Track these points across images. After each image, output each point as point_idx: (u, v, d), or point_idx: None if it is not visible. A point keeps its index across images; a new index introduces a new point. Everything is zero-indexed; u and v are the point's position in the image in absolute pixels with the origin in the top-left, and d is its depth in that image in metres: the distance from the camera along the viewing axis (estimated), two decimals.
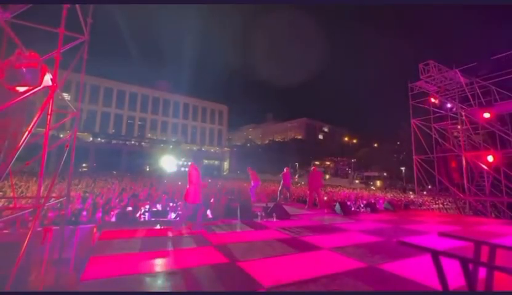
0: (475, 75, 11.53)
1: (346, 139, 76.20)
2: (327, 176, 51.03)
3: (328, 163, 58.99)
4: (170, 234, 4.81)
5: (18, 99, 3.21)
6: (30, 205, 4.30)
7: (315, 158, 52.76)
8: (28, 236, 3.18)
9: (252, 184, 10.75)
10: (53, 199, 4.86)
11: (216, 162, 51.68)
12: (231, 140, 61.55)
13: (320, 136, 74.75)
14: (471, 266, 1.87)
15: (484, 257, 2.15)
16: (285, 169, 10.24)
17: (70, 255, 4.61)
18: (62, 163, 4.74)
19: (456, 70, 11.24)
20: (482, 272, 1.98)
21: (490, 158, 10.10)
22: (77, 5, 4.69)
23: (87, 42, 5.16)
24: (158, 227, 5.38)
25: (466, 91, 11.30)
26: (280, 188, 10.34)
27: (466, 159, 10.78)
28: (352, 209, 9.49)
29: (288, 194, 10.71)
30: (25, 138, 3.24)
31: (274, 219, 6.62)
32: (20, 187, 9.26)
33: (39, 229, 4.32)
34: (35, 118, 3.41)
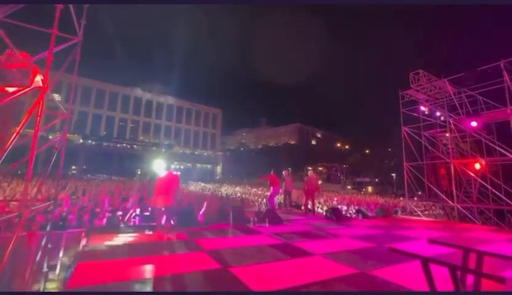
0: (463, 85, 11.90)
1: (339, 145, 77.03)
2: (320, 182, 51.26)
3: (320, 168, 59.37)
4: (161, 239, 4.72)
5: (7, 99, 3.13)
6: (16, 209, 4.17)
7: (308, 163, 53.04)
8: (13, 240, 3.07)
9: (271, 190, 9.24)
10: (40, 203, 4.72)
11: (209, 166, 51.35)
12: (224, 144, 61.36)
13: (313, 142, 75.29)
14: (459, 273, 1.91)
15: (472, 264, 2.19)
16: (284, 173, 9.52)
17: (56, 261, 4.48)
18: (51, 165, 4.63)
19: (445, 80, 11.57)
20: (470, 279, 2.02)
21: (477, 166, 10.38)
22: (70, 6, 4.64)
23: (80, 43, 5.10)
24: (149, 231, 5.28)
25: (454, 100, 11.63)
26: (284, 195, 9.69)
27: (454, 166, 11.04)
28: (344, 213, 9.57)
29: (289, 200, 10.04)
30: (13, 139, 3.15)
31: (267, 225, 6.60)
32: (8, 189, 8.97)
33: (24, 234, 4.19)
34: (24, 119, 3.33)
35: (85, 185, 13.21)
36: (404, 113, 13.21)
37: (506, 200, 10.27)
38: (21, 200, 3.55)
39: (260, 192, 17.11)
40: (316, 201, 10.31)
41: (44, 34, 4.05)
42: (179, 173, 5.63)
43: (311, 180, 9.13)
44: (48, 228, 4.44)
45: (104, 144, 40.29)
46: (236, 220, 6.45)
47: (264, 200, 11.90)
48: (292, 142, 67.71)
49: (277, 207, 9.65)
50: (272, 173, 9.45)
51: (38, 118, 3.71)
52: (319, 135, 77.93)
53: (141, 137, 45.23)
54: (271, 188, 9.19)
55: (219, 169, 53.08)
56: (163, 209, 5.10)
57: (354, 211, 11.01)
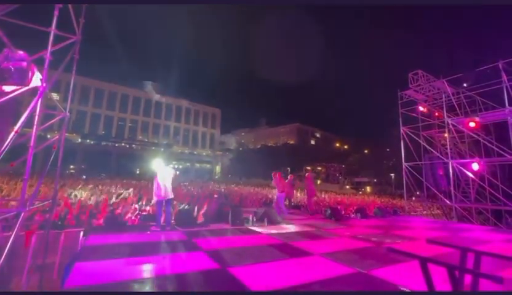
0: (461, 85, 11.94)
1: (338, 145, 77.11)
2: (318, 182, 51.39)
3: (319, 168, 59.41)
4: (159, 239, 4.72)
5: (5, 98, 3.12)
6: (14, 208, 4.15)
7: (306, 163, 53.06)
8: (11, 240, 3.06)
9: (277, 193, 8.42)
10: (38, 202, 4.71)
11: (208, 166, 51.29)
12: (223, 144, 61.35)
13: (312, 142, 75.24)
14: (457, 273, 1.91)
15: (470, 264, 2.20)
16: (289, 177, 9.86)
17: (54, 261, 4.46)
18: (49, 164, 4.61)
19: (444, 80, 11.61)
20: (468, 279, 2.03)
21: (475, 166, 10.41)
22: (69, 5, 4.62)
23: (78, 42, 5.08)
24: (149, 231, 5.28)
25: (453, 100, 11.67)
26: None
27: (453, 167, 11.07)
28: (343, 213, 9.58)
29: (288, 202, 10.11)
30: (11, 138, 3.14)
31: (266, 224, 6.60)
32: (5, 189, 8.93)
33: (22, 233, 4.17)
34: (22, 119, 3.31)
35: (84, 184, 13.16)
36: (402, 113, 13.24)
37: (504, 200, 10.32)
38: (20, 199, 3.53)
39: (253, 190, 17.10)
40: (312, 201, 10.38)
41: (42, 33, 4.03)
42: (177, 172, 5.97)
43: (308, 181, 9.30)
44: (46, 228, 4.43)
45: (103, 143, 40.14)
46: (235, 220, 6.45)
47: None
48: (291, 142, 67.69)
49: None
50: (276, 173, 8.49)
51: (37, 117, 3.69)
52: (318, 135, 77.91)
53: (140, 137, 45.11)
54: (277, 190, 8.43)
55: (218, 168, 53.03)
56: (164, 201, 5.55)
57: (352, 210, 11.01)
